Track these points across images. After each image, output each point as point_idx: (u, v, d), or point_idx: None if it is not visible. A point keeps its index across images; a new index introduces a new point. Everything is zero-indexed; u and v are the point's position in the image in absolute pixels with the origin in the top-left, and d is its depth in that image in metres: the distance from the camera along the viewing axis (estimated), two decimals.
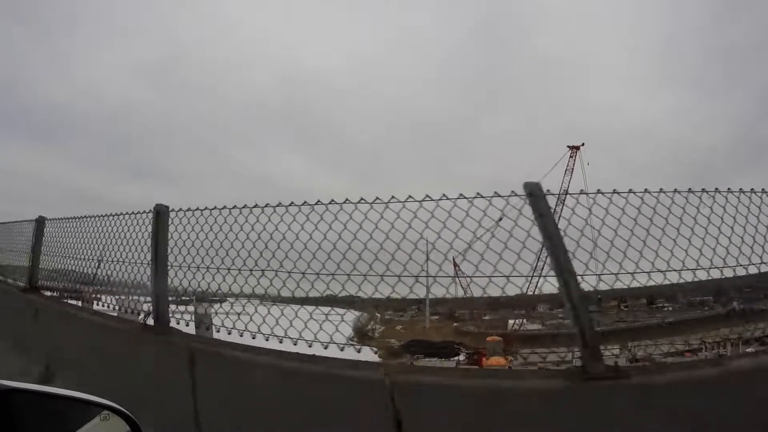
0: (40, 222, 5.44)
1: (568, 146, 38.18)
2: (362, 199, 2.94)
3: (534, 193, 2.58)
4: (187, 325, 3.71)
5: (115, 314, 4.28)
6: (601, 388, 2.32)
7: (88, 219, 4.63)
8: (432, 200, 2.77)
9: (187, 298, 4.11)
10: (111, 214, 4.25)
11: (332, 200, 3.02)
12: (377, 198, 2.90)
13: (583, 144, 38.15)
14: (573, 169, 37.60)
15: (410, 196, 2.82)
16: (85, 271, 4.66)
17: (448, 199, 2.75)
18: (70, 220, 5.02)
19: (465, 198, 2.72)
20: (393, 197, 2.88)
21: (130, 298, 4.13)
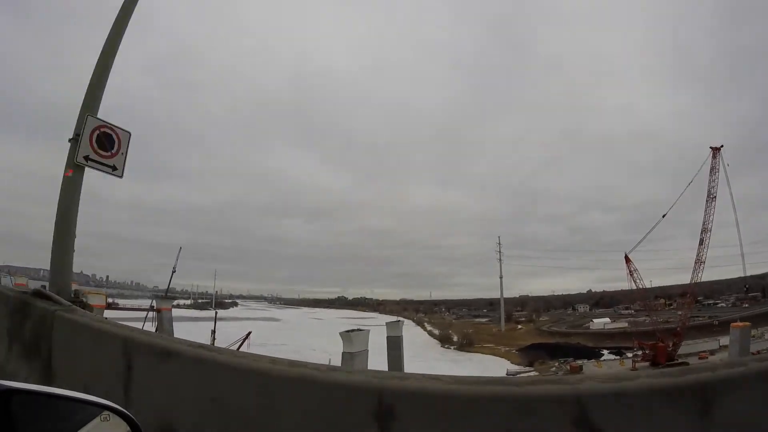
0: None
1: (711, 147, 38.99)
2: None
3: None
4: None
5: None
6: None
7: None
8: None
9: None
10: None
11: None
12: None
13: (722, 146, 39.05)
14: (717, 169, 37.84)
15: None
16: None
17: None
18: None
19: None
20: None
21: None
